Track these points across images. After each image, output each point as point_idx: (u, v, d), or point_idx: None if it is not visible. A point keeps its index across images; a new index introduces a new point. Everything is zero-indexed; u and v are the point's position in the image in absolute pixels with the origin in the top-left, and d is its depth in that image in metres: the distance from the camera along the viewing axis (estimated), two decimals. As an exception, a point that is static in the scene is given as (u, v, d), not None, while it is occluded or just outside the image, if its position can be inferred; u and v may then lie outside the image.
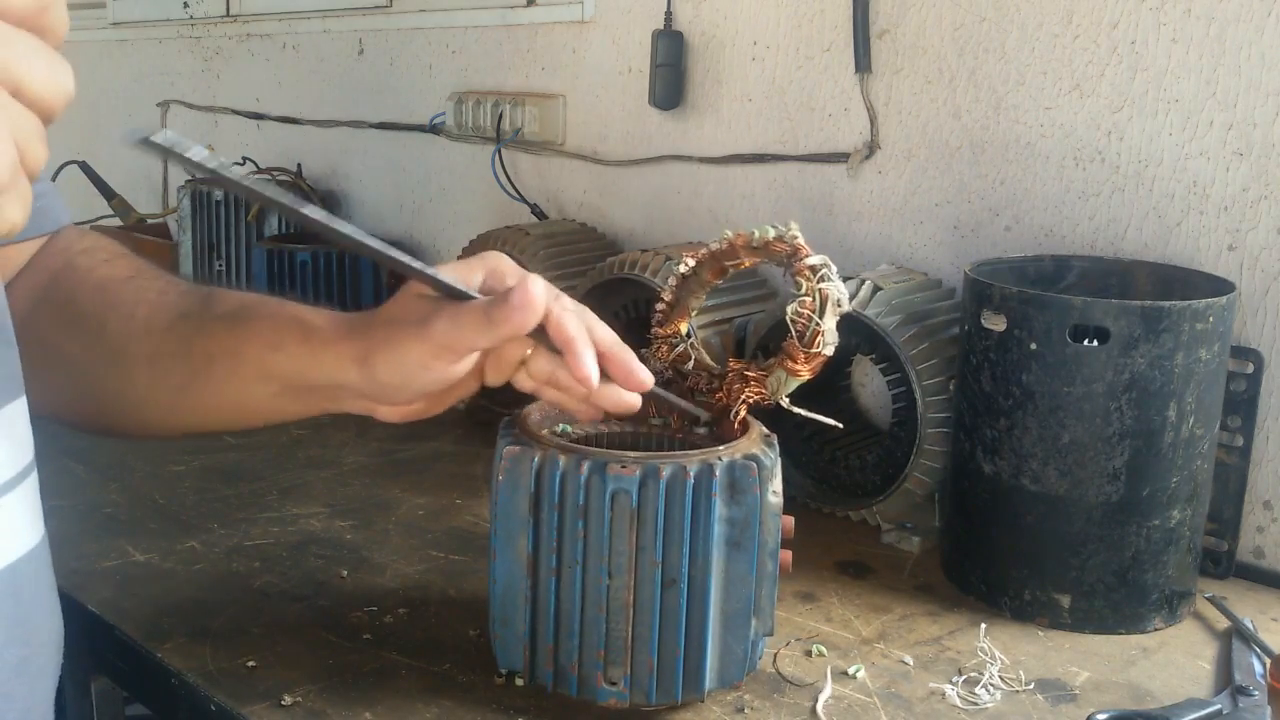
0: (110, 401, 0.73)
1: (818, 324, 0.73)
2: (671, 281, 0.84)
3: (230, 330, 0.69)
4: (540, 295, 0.62)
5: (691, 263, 0.83)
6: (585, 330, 0.65)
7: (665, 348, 0.84)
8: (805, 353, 0.74)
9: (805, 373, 0.75)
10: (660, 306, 0.85)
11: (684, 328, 0.84)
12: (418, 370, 0.63)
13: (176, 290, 0.74)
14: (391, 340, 0.64)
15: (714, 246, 0.81)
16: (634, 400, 0.69)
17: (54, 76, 0.40)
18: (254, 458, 1.20)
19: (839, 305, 0.74)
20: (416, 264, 0.62)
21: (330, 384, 0.67)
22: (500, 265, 0.67)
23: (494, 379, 0.69)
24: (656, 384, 0.70)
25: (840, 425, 0.81)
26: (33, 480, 0.60)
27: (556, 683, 0.72)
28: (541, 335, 0.65)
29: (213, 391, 0.70)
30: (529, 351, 0.67)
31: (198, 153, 0.49)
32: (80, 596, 0.87)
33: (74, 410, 0.75)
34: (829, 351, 0.75)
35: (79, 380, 0.73)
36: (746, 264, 0.81)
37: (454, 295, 0.64)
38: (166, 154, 0.49)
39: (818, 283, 0.73)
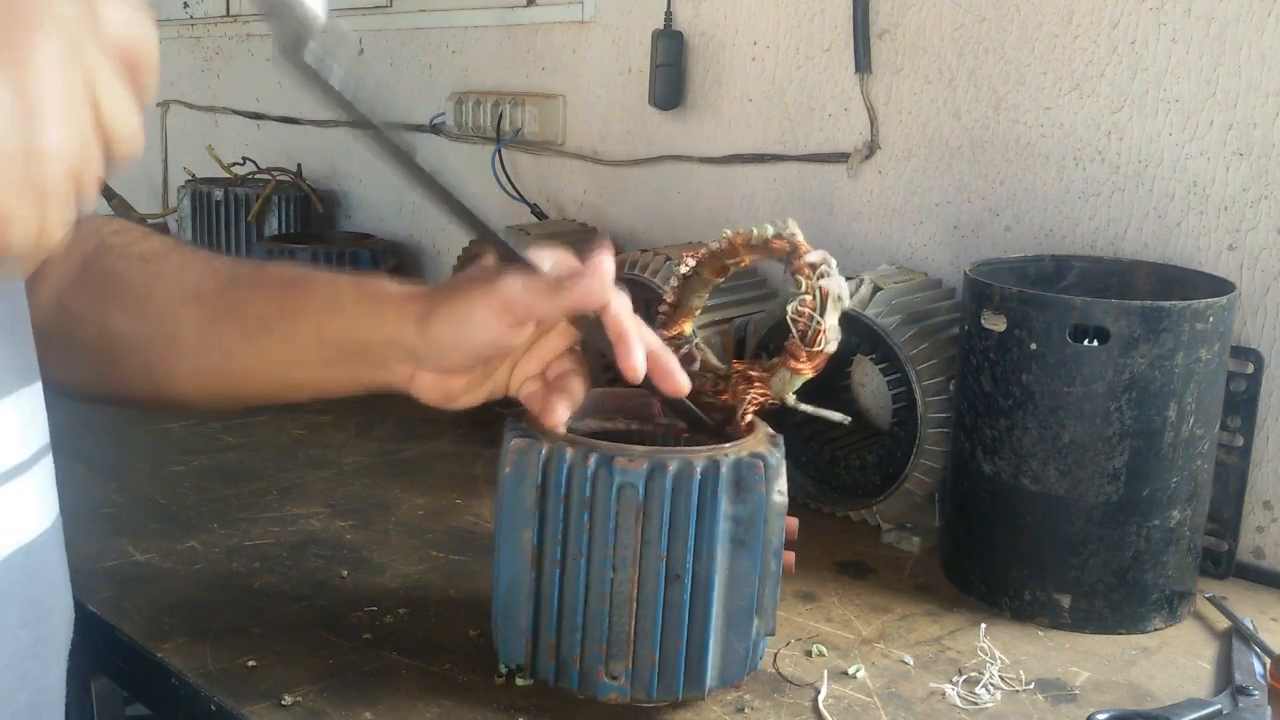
0: (156, 372, 0.73)
1: (819, 321, 0.73)
2: (673, 283, 0.84)
3: (288, 294, 0.70)
4: (610, 270, 0.65)
5: (692, 263, 0.83)
6: (637, 324, 0.68)
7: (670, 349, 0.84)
8: (808, 351, 0.74)
9: (809, 370, 0.76)
10: (663, 308, 0.85)
11: (688, 328, 0.84)
12: (479, 328, 0.65)
13: (224, 261, 0.75)
14: (457, 297, 0.66)
15: (714, 246, 0.81)
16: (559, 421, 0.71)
17: (131, 117, 0.43)
18: (254, 458, 1.20)
19: (840, 301, 0.74)
20: (502, 235, 0.64)
21: (384, 343, 0.68)
22: (567, 259, 0.70)
23: (519, 376, 0.72)
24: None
25: (848, 419, 0.82)
26: (48, 463, 0.60)
27: (558, 677, 0.72)
28: (591, 327, 0.68)
29: (263, 357, 0.71)
30: (558, 355, 0.71)
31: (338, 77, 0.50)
32: (80, 596, 0.86)
33: (116, 387, 0.75)
34: (832, 348, 0.75)
35: (123, 354, 0.73)
36: (746, 262, 0.81)
37: (526, 266, 0.67)
38: (308, 74, 0.49)
39: (818, 279, 0.73)
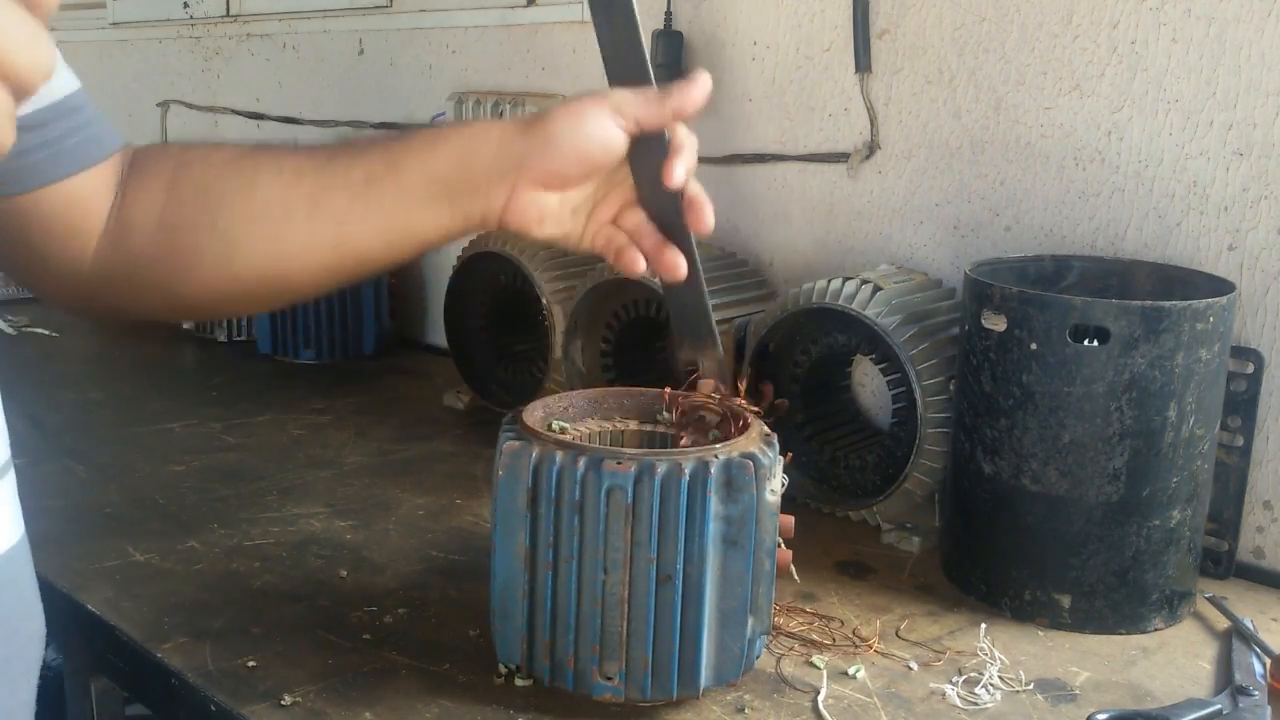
0: (270, 260, 0.75)
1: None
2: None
3: (388, 146, 0.74)
4: (708, 83, 0.71)
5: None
6: (694, 151, 0.73)
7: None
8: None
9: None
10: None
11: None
12: (593, 125, 0.70)
13: (309, 146, 0.78)
14: (569, 105, 0.71)
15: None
16: (680, 268, 0.75)
17: (34, 50, 0.39)
18: (254, 458, 1.20)
19: None
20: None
21: (490, 160, 0.72)
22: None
23: (593, 226, 0.76)
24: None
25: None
26: (11, 479, 0.60)
27: (553, 676, 0.72)
28: (651, 148, 0.72)
29: (371, 212, 0.73)
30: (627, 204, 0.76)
31: None
32: (80, 596, 0.87)
33: (231, 283, 0.76)
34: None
35: (238, 247, 0.74)
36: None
37: (639, 79, 0.72)
38: None
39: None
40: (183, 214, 0.74)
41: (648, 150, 0.72)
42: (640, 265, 0.76)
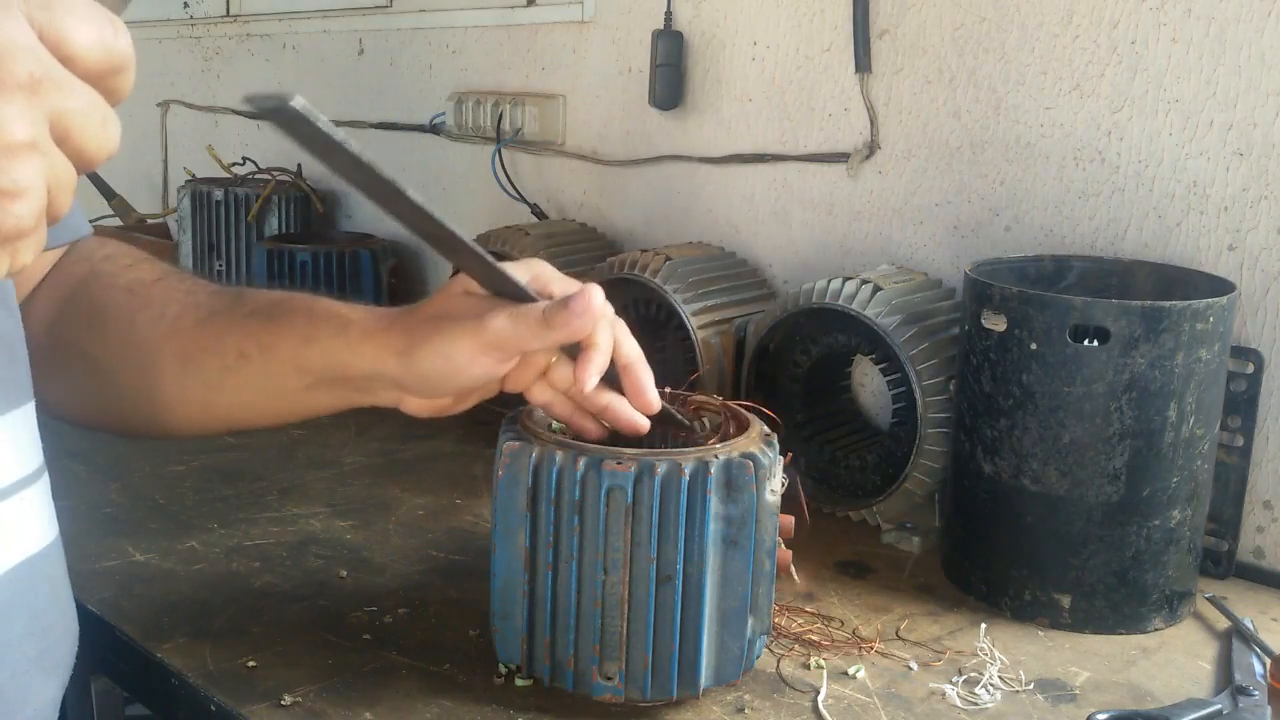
0: (141, 403, 0.74)
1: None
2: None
3: (264, 326, 0.70)
4: (599, 304, 0.64)
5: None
6: (610, 340, 0.67)
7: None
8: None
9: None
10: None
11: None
12: (465, 364, 0.65)
13: (205, 290, 0.75)
14: (440, 333, 0.65)
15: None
16: (641, 422, 0.71)
17: (104, 133, 0.42)
18: (254, 458, 1.20)
19: None
20: (489, 257, 0.62)
21: (366, 375, 0.68)
22: (544, 271, 0.69)
23: (514, 385, 0.71)
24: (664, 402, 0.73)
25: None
26: (45, 481, 0.61)
27: (553, 677, 0.72)
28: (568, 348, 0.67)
29: (245, 388, 0.71)
30: (553, 360, 0.69)
31: (326, 124, 0.49)
32: (80, 596, 0.86)
33: (105, 414, 0.76)
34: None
35: (109, 383, 0.73)
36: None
37: (513, 295, 0.65)
38: (292, 122, 0.47)
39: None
40: (69, 331, 0.73)
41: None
42: (595, 432, 0.72)
